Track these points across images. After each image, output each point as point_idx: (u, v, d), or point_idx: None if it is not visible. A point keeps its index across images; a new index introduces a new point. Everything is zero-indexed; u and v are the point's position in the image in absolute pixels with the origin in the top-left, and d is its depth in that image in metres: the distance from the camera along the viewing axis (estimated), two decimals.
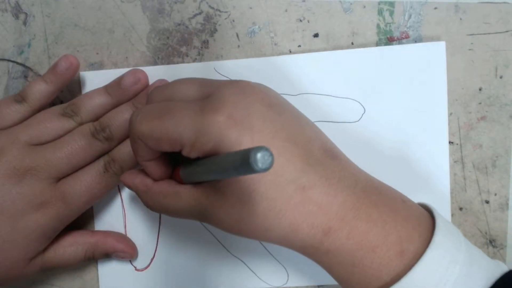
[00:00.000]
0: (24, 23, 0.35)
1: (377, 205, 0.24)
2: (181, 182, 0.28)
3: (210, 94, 0.25)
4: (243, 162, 0.18)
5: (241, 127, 0.23)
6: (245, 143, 0.23)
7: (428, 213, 0.26)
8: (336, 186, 0.24)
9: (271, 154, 0.18)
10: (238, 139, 0.23)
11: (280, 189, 0.24)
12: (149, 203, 0.28)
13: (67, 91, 0.35)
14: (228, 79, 0.33)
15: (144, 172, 0.29)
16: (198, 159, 0.25)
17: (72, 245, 0.33)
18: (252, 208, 0.24)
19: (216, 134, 0.23)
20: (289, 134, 0.25)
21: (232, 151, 0.22)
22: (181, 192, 0.26)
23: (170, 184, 0.28)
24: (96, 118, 0.32)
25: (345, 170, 0.25)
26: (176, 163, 0.29)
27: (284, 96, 0.33)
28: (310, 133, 0.26)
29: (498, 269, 0.24)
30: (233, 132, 0.23)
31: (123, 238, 0.34)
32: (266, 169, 0.18)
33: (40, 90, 0.32)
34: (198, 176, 0.25)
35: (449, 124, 0.33)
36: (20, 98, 0.32)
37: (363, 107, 0.33)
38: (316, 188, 0.24)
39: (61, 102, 0.35)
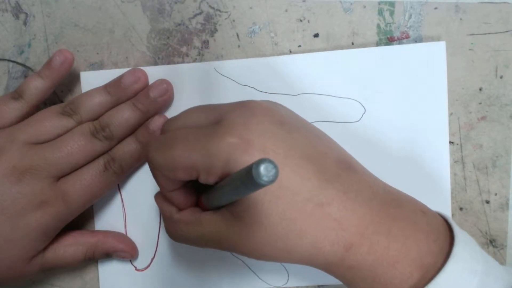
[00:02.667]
0: (24, 23, 0.35)
1: (396, 219, 0.24)
2: (205, 209, 0.27)
3: (220, 118, 0.25)
4: (248, 176, 0.18)
5: (253, 148, 0.23)
6: None
7: (444, 220, 0.26)
8: (354, 200, 0.24)
9: (275, 166, 0.17)
10: (251, 161, 0.23)
11: (298, 208, 0.23)
12: (170, 232, 0.28)
13: (67, 91, 0.35)
14: (229, 79, 0.33)
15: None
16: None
17: (72, 245, 0.33)
18: (272, 231, 0.23)
19: (229, 157, 0.23)
20: (302, 151, 0.24)
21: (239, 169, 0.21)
22: (202, 220, 0.26)
23: (193, 212, 0.27)
24: (96, 117, 0.32)
25: (362, 182, 0.25)
26: (202, 189, 0.28)
27: (284, 96, 0.33)
28: (323, 147, 0.25)
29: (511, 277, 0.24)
30: (246, 154, 0.23)
31: (123, 238, 0.34)
32: (271, 182, 0.17)
33: (36, 86, 0.32)
34: (215, 200, 0.25)
35: (449, 124, 0.33)
36: (17, 95, 0.32)
37: (364, 107, 0.33)
38: (334, 204, 0.23)
39: (61, 102, 0.35)
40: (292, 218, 0.23)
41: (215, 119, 0.25)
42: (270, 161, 0.17)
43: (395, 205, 0.25)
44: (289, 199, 0.23)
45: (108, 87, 0.33)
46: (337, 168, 0.25)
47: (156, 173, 0.26)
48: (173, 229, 0.28)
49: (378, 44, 0.33)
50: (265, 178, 0.17)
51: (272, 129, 0.24)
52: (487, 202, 0.33)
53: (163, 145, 0.25)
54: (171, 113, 0.34)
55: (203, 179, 0.24)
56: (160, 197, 0.29)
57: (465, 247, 0.24)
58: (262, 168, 0.17)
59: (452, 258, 0.23)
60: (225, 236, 0.25)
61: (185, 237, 0.27)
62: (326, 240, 0.24)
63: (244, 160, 0.23)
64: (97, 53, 0.34)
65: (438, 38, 0.33)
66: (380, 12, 0.33)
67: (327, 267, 0.25)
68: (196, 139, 0.24)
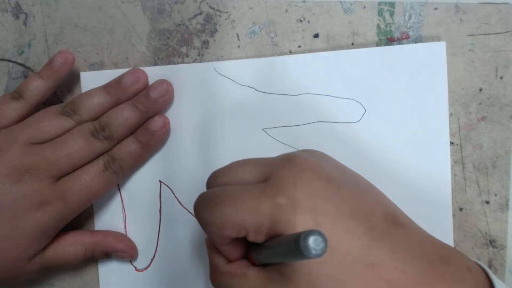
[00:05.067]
0: (24, 23, 0.35)
1: (445, 278, 0.24)
2: (254, 263, 0.27)
3: (267, 175, 0.25)
4: (296, 247, 0.17)
5: (303, 209, 0.23)
6: (308, 226, 0.23)
7: (484, 273, 0.25)
8: (404, 259, 0.23)
9: (324, 239, 0.17)
10: (302, 222, 0.23)
11: (348, 269, 0.23)
12: (214, 281, 0.28)
13: (67, 91, 0.35)
14: (229, 79, 0.33)
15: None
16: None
17: (72, 245, 0.33)
18: None
19: (278, 218, 0.23)
20: (351, 208, 0.24)
21: (288, 234, 0.21)
22: (248, 275, 0.26)
23: (240, 265, 0.27)
24: (95, 117, 0.32)
25: (410, 238, 0.24)
26: (252, 242, 0.28)
27: (284, 96, 0.33)
28: (371, 200, 0.25)
29: None
30: (295, 215, 0.23)
31: (122, 238, 0.34)
32: (319, 255, 0.17)
33: (36, 86, 0.32)
34: (263, 258, 0.25)
35: (449, 125, 0.33)
36: (17, 95, 0.32)
37: (364, 107, 0.33)
38: (385, 264, 0.23)
39: (61, 102, 0.35)
40: (342, 279, 0.23)
41: (262, 176, 0.25)
42: (320, 234, 0.17)
43: (442, 263, 0.24)
44: (339, 260, 0.23)
45: (108, 87, 0.33)
46: (386, 224, 0.24)
47: (205, 229, 0.26)
48: (218, 280, 0.27)
49: (378, 44, 0.33)
50: (313, 252, 0.17)
51: (321, 187, 0.24)
52: (487, 202, 0.33)
53: (210, 202, 0.25)
54: (170, 113, 0.34)
55: (251, 238, 0.24)
56: (211, 246, 0.28)
57: None
58: (311, 241, 0.17)
59: None
60: None
61: None
62: None
63: (295, 222, 0.23)
64: (97, 53, 0.34)
65: (438, 39, 0.33)
66: (380, 13, 0.33)
67: None
68: (244, 198, 0.24)
